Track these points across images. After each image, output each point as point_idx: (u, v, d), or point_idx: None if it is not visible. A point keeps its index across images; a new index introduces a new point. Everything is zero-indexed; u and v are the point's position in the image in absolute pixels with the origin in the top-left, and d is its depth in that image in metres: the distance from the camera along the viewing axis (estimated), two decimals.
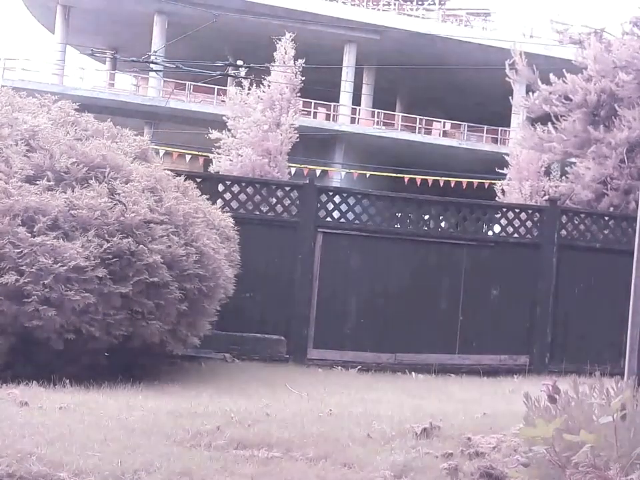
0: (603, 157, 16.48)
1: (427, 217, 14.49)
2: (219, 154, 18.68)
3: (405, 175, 32.35)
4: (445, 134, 39.80)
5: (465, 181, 33.09)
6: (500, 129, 38.65)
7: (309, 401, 8.50)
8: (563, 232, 14.24)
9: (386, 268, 13.47)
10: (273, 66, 18.98)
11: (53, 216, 8.88)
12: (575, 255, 14.08)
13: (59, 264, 8.56)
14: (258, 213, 13.18)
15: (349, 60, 37.80)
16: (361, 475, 5.10)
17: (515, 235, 14.11)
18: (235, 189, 13.44)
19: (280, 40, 18.92)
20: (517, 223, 14.13)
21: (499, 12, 72.65)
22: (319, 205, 13.40)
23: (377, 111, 39.22)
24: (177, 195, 10.28)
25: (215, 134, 18.92)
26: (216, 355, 12.31)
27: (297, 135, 18.86)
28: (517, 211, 14.36)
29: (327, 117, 38.32)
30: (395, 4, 41.37)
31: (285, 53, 18.81)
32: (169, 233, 9.45)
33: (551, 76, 17.08)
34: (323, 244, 13.21)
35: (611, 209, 16.18)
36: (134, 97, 36.48)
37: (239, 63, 23.78)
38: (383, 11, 39.80)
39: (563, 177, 19.14)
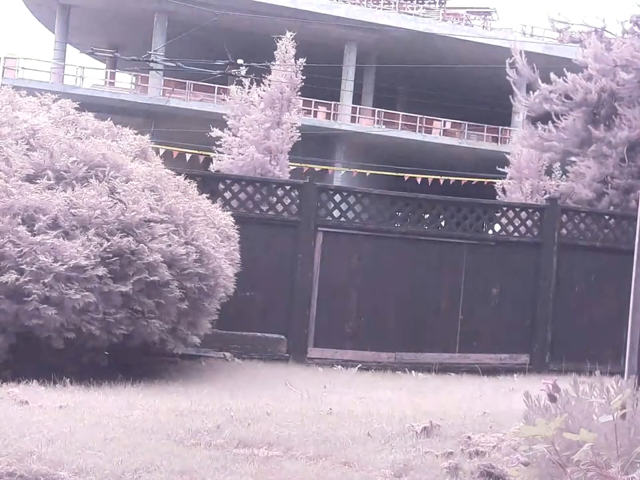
0: (603, 156, 16.48)
1: (427, 215, 14.50)
2: (219, 152, 18.67)
3: (405, 174, 32.35)
4: (445, 133, 39.79)
5: (465, 179, 33.09)
6: (500, 127, 38.65)
7: (309, 399, 8.50)
8: (563, 231, 14.24)
9: (386, 267, 13.46)
10: (273, 65, 18.96)
11: (53, 215, 8.89)
12: (575, 254, 14.08)
13: (59, 263, 8.57)
14: (258, 211, 13.18)
15: (349, 59, 37.80)
16: (361, 474, 5.09)
17: (516, 234, 14.11)
18: (235, 187, 13.44)
19: (280, 39, 18.91)
20: (517, 221, 14.13)
21: (500, 11, 72.75)
22: (319, 204, 13.40)
23: (377, 110, 39.22)
24: (177, 193, 10.29)
25: (216, 132, 18.91)
26: (216, 354, 12.32)
27: (299, 134, 18.85)
28: (518, 209, 14.36)
29: (328, 116, 38.31)
30: (395, 3, 41.33)
31: (286, 52, 18.79)
32: (169, 232, 9.45)
33: (551, 75, 17.07)
34: (323, 243, 13.21)
35: (611, 207, 16.19)
36: (134, 95, 36.46)
37: (240, 61, 23.77)
38: (384, 10, 39.76)
39: (564, 176, 19.15)
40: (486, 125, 39.16)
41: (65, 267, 8.58)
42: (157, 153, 14.47)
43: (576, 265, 14.10)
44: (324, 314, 13.11)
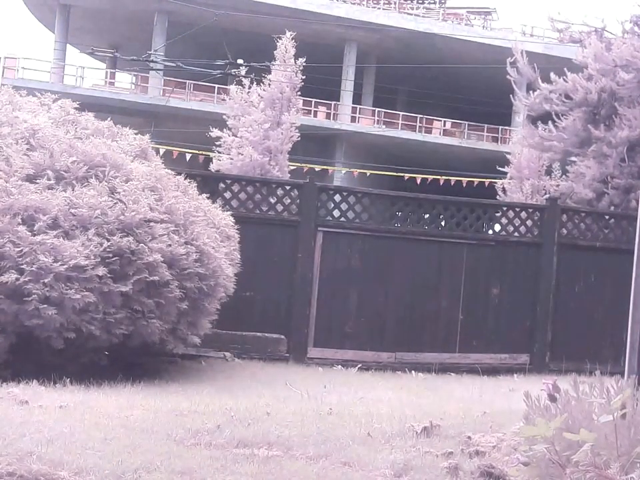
0: (603, 156, 16.48)
1: (427, 215, 14.50)
2: (219, 152, 18.68)
3: (405, 174, 32.34)
4: (445, 133, 39.77)
5: (465, 179, 33.09)
6: (500, 127, 38.64)
7: (309, 399, 8.50)
8: (564, 231, 14.24)
9: (386, 267, 13.46)
10: (273, 65, 18.96)
11: (53, 215, 8.88)
12: (575, 254, 14.07)
13: (59, 263, 8.56)
14: (258, 211, 13.18)
15: (349, 59, 37.80)
16: (361, 474, 5.09)
17: (516, 234, 14.11)
18: (235, 187, 13.44)
19: (280, 39, 18.91)
20: (517, 221, 14.13)
21: (500, 11, 72.72)
22: (319, 204, 13.40)
23: (377, 110, 39.22)
24: (177, 193, 10.28)
25: (215, 132, 18.92)
26: (216, 354, 12.32)
27: (298, 134, 18.86)
28: (518, 209, 14.36)
29: (328, 116, 38.30)
30: (395, 3, 41.32)
31: (286, 52, 18.80)
32: (169, 232, 9.45)
33: (552, 75, 17.08)
34: (323, 243, 13.21)
35: (611, 207, 16.19)
36: (134, 95, 36.45)
37: (240, 61, 23.77)
38: (384, 10, 39.76)
39: (564, 176, 19.15)
40: (486, 125, 39.15)
41: (65, 266, 8.57)
42: (157, 152, 14.48)
43: (576, 265, 14.09)
44: (324, 314, 13.11)
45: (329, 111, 38.38)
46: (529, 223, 14.18)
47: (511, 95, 18.65)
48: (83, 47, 37.19)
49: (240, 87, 19.37)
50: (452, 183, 32.46)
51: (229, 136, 18.65)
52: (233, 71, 19.87)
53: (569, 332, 13.96)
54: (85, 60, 46.49)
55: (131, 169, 9.92)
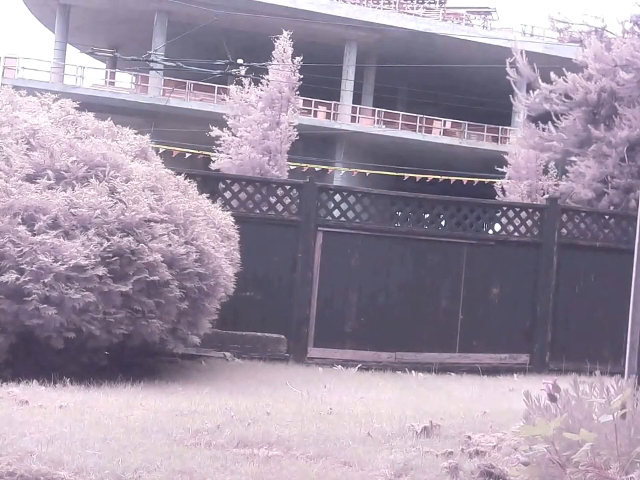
0: (603, 156, 16.49)
1: (427, 215, 14.50)
2: (219, 152, 18.70)
3: (405, 174, 32.34)
4: (445, 132, 39.75)
5: (465, 179, 33.08)
6: (500, 127, 38.64)
7: (309, 399, 8.50)
8: (564, 231, 14.24)
9: (386, 266, 13.47)
10: (272, 64, 18.97)
11: (53, 214, 8.88)
12: (575, 254, 14.08)
13: (59, 262, 8.57)
14: (258, 211, 13.19)
15: (349, 59, 37.78)
16: (361, 474, 5.09)
17: (516, 234, 14.12)
18: (235, 187, 13.45)
19: (278, 39, 18.92)
20: (517, 221, 14.14)
21: (500, 11, 72.71)
22: (319, 204, 13.40)
23: (377, 109, 39.21)
24: (177, 193, 10.29)
25: (215, 132, 18.93)
26: (216, 354, 12.32)
27: (297, 133, 18.87)
28: (518, 209, 14.37)
29: (328, 116, 38.28)
30: (395, 3, 41.30)
31: (284, 52, 18.81)
32: (169, 232, 9.45)
33: (552, 75, 17.08)
34: (323, 242, 13.21)
35: (611, 207, 16.19)
36: (134, 95, 36.43)
37: (239, 61, 23.77)
38: (384, 9, 39.74)
39: (563, 176, 19.17)
40: (486, 125, 39.14)
41: (65, 266, 8.57)
42: (157, 152, 14.48)
43: (576, 264, 14.09)
44: (324, 314, 13.11)
45: (328, 111, 38.36)
46: (529, 222, 14.18)
47: (510, 95, 18.65)
48: (82, 46, 37.15)
49: (240, 86, 19.38)
50: (452, 183, 32.46)
51: (229, 136, 18.67)
52: (232, 70, 19.87)
53: (569, 332, 13.96)
54: (85, 60, 46.55)
55: (131, 169, 9.92)
